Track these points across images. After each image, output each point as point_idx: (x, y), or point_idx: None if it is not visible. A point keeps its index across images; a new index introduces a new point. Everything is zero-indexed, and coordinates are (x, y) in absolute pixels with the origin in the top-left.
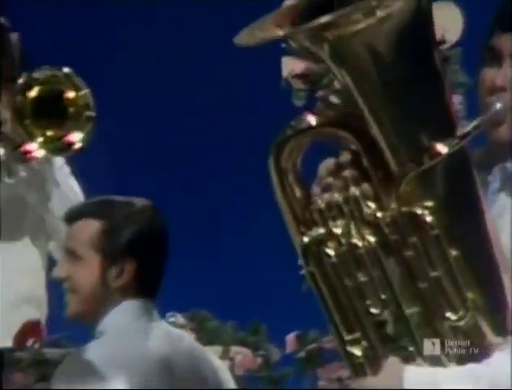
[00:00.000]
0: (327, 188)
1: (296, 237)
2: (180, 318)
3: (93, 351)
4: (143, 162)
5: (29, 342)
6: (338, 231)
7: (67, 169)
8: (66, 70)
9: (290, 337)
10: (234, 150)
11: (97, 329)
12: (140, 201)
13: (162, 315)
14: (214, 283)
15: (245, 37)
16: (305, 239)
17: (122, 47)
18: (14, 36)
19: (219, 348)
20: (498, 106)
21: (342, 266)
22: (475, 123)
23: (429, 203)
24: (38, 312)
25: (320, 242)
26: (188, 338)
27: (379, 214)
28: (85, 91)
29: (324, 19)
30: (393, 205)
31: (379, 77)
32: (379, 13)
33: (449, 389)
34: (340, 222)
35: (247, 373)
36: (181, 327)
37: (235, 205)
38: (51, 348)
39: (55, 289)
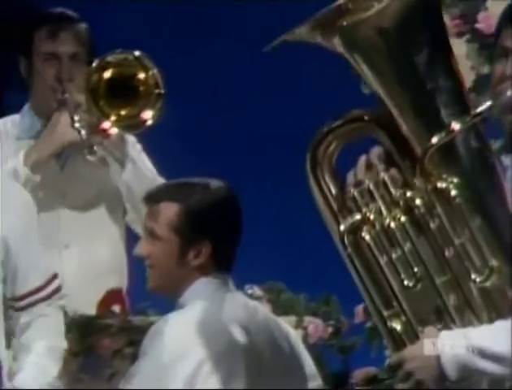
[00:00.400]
0: (360, 182)
1: (332, 226)
2: (257, 291)
3: (176, 320)
4: (212, 143)
5: (113, 309)
6: (371, 215)
7: (138, 146)
8: (136, 52)
9: (359, 308)
10: (301, 136)
11: (179, 301)
12: (215, 183)
13: (241, 288)
14: (288, 258)
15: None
16: (342, 227)
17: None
18: (82, 26)
19: (292, 319)
20: (509, 93)
21: (377, 247)
22: (486, 104)
23: (452, 178)
24: (119, 281)
25: (356, 228)
26: (262, 309)
27: (408, 194)
28: (154, 71)
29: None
30: (419, 184)
31: (392, 62)
32: None
33: (481, 344)
34: (372, 206)
35: (319, 341)
36: (258, 298)
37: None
38: (138, 316)
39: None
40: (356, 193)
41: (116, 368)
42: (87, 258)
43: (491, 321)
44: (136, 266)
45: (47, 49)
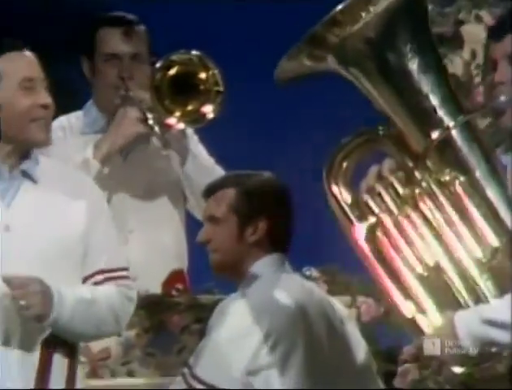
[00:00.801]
0: (371, 190)
1: (350, 234)
2: (314, 272)
3: (241, 299)
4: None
5: (176, 288)
6: (384, 216)
7: (196, 137)
8: (198, 53)
9: None
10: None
11: (241, 282)
12: (267, 173)
13: (299, 269)
14: (344, 242)
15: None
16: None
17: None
18: (142, 28)
19: (347, 298)
20: (502, 98)
21: (391, 242)
22: (480, 108)
23: (454, 171)
24: (181, 262)
25: (372, 228)
26: (317, 289)
27: (416, 190)
28: (215, 70)
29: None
30: (425, 181)
31: (385, 71)
32: (375, 8)
33: (492, 316)
34: (383, 207)
35: (371, 320)
36: (315, 279)
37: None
38: (204, 295)
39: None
40: (369, 199)
41: (184, 343)
42: (151, 242)
43: (498, 297)
44: (199, 250)
45: (109, 50)
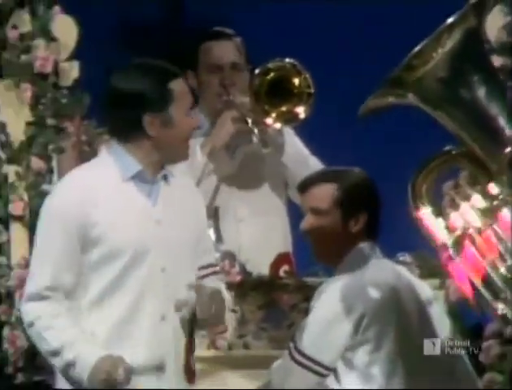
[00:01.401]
0: (453, 204)
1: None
2: (407, 258)
3: (339, 282)
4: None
5: (283, 270)
6: (467, 228)
7: (291, 131)
8: (291, 60)
9: None
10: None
11: (339, 266)
12: (356, 169)
13: (394, 255)
14: None
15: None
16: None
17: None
18: (238, 40)
19: (436, 281)
20: None
21: (477, 250)
22: None
23: None
24: (286, 246)
25: (460, 239)
26: (407, 272)
27: (494, 203)
28: (306, 75)
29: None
30: (502, 194)
31: (454, 100)
32: (443, 49)
33: None
34: (466, 219)
35: (458, 300)
36: (409, 264)
37: None
38: (311, 277)
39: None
40: (453, 214)
41: (293, 320)
42: (259, 229)
43: None
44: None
45: (212, 62)
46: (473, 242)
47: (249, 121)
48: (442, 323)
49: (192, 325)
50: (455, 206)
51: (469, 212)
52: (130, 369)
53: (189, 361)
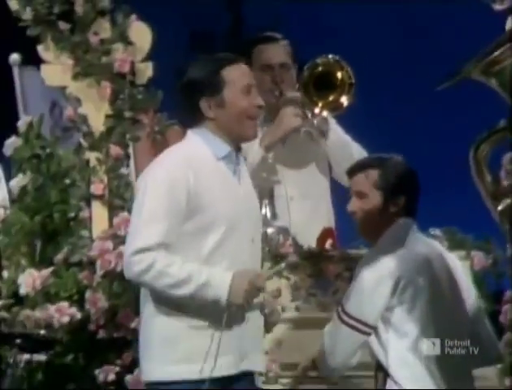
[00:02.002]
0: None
1: (492, 206)
2: (437, 232)
3: (379, 253)
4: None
5: (328, 243)
6: None
7: (333, 120)
8: (335, 56)
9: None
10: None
11: (380, 239)
12: (397, 157)
13: (426, 229)
14: (461, 210)
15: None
16: (500, 207)
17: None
18: (285, 42)
19: (463, 253)
20: None
21: None
22: None
23: None
24: (330, 222)
25: (509, 208)
26: (438, 244)
27: None
28: (348, 68)
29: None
30: None
31: None
32: None
33: None
34: None
35: (481, 269)
36: (439, 237)
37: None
38: (353, 250)
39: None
40: (506, 183)
41: (338, 287)
42: (307, 206)
43: None
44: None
45: (264, 62)
46: None
47: (307, 115)
48: (468, 289)
49: None
50: (510, 178)
51: None
52: (266, 278)
53: (264, 315)
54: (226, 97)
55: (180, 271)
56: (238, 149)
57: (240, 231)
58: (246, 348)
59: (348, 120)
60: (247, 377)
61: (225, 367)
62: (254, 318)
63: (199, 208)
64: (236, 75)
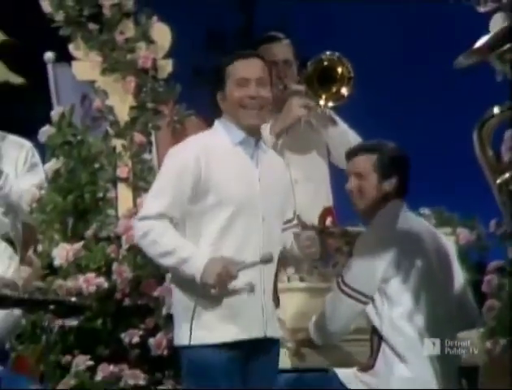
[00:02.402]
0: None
1: (490, 178)
2: (427, 211)
3: (375, 229)
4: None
5: (328, 221)
6: None
7: (332, 112)
8: (336, 53)
9: (492, 223)
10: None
11: (375, 218)
12: (390, 143)
13: (417, 209)
14: (449, 190)
15: (462, 61)
16: (499, 180)
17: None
18: (287, 41)
19: (449, 229)
20: None
21: None
22: None
23: None
24: (329, 201)
25: (507, 182)
26: (426, 222)
27: None
28: (348, 64)
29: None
30: None
31: None
32: None
33: None
34: None
35: (466, 243)
36: (427, 216)
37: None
38: (351, 227)
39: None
40: (506, 159)
41: (337, 260)
42: (309, 188)
43: None
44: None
45: (268, 59)
46: None
47: (311, 105)
48: (454, 261)
49: (277, 266)
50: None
51: None
52: (238, 268)
53: (276, 291)
54: (227, 90)
55: (168, 243)
56: (258, 136)
57: (251, 211)
58: (267, 315)
59: (349, 112)
60: (269, 343)
61: (247, 332)
62: (270, 290)
63: (209, 189)
64: (235, 69)
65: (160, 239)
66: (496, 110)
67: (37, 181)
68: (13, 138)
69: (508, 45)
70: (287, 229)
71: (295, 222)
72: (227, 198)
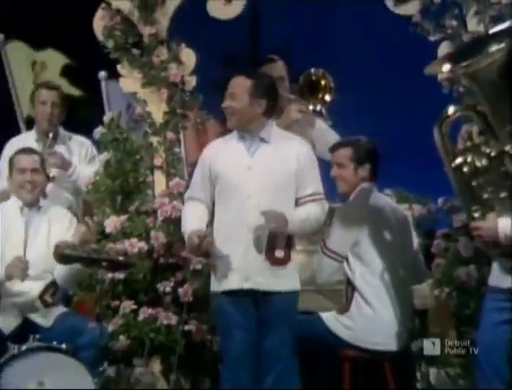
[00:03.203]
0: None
1: (447, 163)
2: (389, 192)
3: (349, 206)
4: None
5: None
6: (469, 158)
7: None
8: (321, 70)
9: (441, 200)
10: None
11: (351, 197)
12: (363, 138)
13: (382, 190)
14: (408, 175)
15: (431, 69)
16: (453, 164)
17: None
18: (281, 62)
19: (406, 205)
20: None
21: (472, 174)
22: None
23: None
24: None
25: (462, 164)
26: (389, 199)
27: (487, 150)
28: (330, 78)
29: (464, 63)
30: (494, 148)
31: (494, 91)
32: (491, 58)
33: None
34: (470, 155)
35: (419, 216)
36: (390, 195)
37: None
38: (332, 203)
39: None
40: (461, 147)
41: (322, 229)
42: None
43: None
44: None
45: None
46: (469, 167)
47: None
48: (410, 229)
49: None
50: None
51: (470, 148)
52: (210, 242)
53: (273, 254)
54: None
55: (183, 216)
56: (252, 135)
57: (241, 190)
58: (254, 271)
59: (336, 113)
60: (269, 294)
61: (241, 283)
62: (260, 253)
63: (218, 177)
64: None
65: (183, 214)
66: (451, 110)
67: (95, 170)
68: (76, 137)
69: (448, 66)
70: (306, 202)
71: (314, 197)
72: (226, 184)
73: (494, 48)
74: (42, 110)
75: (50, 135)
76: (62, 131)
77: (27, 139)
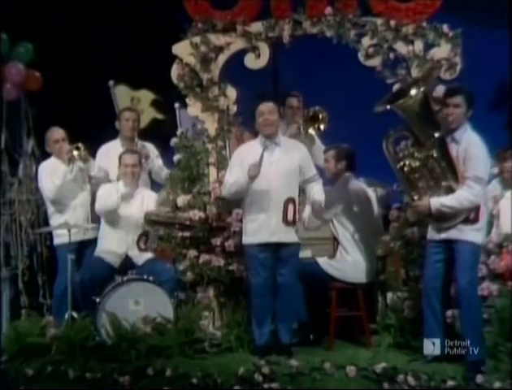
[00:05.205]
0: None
1: (394, 166)
2: (362, 180)
3: (336, 188)
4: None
5: None
6: (407, 162)
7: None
8: (317, 107)
9: (395, 184)
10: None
11: (335, 184)
12: (344, 145)
13: (357, 178)
14: (375, 172)
15: (379, 106)
16: (397, 166)
17: None
18: (299, 97)
19: (372, 188)
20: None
21: (410, 172)
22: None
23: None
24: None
25: (403, 166)
26: (362, 184)
27: (418, 155)
28: (324, 112)
29: (398, 102)
30: (423, 154)
31: (418, 117)
32: (413, 99)
33: (444, 202)
34: (408, 160)
35: (382, 196)
36: (362, 181)
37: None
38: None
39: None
40: (401, 154)
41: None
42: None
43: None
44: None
45: (288, 105)
46: (411, 169)
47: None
48: (374, 204)
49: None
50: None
51: (408, 156)
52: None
53: (294, 221)
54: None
55: (227, 180)
56: (270, 139)
57: (261, 182)
58: (279, 229)
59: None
60: (287, 245)
61: (267, 237)
62: (279, 216)
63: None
64: (259, 109)
65: (226, 178)
66: (391, 131)
67: (161, 162)
68: (145, 142)
69: (401, 101)
70: (310, 182)
71: (315, 177)
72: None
73: (415, 91)
74: (126, 125)
75: (136, 139)
76: (136, 138)
77: (114, 145)
